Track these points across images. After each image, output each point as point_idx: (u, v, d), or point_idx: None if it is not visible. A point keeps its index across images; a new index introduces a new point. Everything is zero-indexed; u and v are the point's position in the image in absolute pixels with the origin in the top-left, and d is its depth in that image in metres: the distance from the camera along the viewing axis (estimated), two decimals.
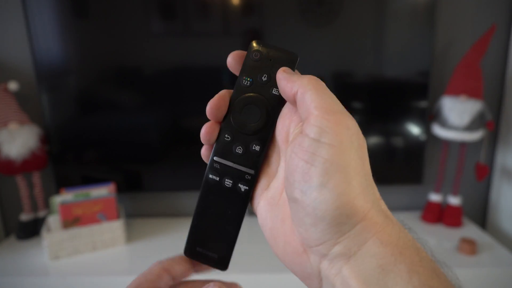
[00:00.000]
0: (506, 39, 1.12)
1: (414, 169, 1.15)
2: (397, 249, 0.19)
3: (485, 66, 1.07)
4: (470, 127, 1.03)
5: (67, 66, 1.05)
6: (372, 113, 1.12)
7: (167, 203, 1.23)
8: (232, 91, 0.26)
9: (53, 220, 0.97)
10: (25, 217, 1.09)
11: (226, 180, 0.26)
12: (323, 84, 0.23)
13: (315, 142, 0.20)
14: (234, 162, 0.26)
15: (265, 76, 0.25)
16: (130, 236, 1.07)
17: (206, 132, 0.25)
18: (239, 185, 0.26)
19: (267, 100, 0.25)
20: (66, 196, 0.99)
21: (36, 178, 1.09)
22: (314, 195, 0.20)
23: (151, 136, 1.13)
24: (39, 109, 1.07)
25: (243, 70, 0.26)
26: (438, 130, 1.07)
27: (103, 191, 1.03)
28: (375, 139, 1.13)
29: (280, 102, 0.25)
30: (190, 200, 1.23)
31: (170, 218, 1.20)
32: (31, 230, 1.07)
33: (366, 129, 1.13)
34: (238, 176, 0.26)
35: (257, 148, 0.25)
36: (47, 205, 1.12)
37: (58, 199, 0.97)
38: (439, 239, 1.04)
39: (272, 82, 0.25)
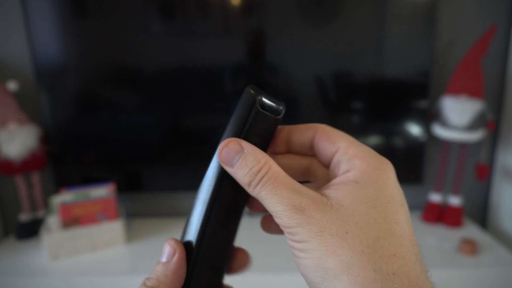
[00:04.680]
0: (506, 39, 1.12)
1: (414, 169, 1.15)
2: None
3: (485, 66, 1.07)
4: (471, 127, 1.02)
5: (67, 66, 1.05)
6: (372, 113, 1.12)
7: (167, 203, 1.23)
8: None
9: (53, 220, 0.97)
10: (24, 217, 1.09)
11: None
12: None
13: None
14: None
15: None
16: (130, 236, 1.07)
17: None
18: None
19: None
20: (65, 196, 0.99)
21: (36, 178, 1.09)
22: None
23: (151, 136, 1.13)
24: (38, 109, 1.07)
25: None
26: (439, 130, 1.07)
27: (103, 191, 1.02)
28: (375, 139, 1.13)
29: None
30: (190, 200, 1.22)
31: (170, 218, 1.19)
32: (31, 230, 1.07)
33: (366, 129, 1.13)
34: None
35: None
36: (46, 205, 1.11)
37: (58, 199, 0.97)
38: (440, 239, 1.04)
39: None
